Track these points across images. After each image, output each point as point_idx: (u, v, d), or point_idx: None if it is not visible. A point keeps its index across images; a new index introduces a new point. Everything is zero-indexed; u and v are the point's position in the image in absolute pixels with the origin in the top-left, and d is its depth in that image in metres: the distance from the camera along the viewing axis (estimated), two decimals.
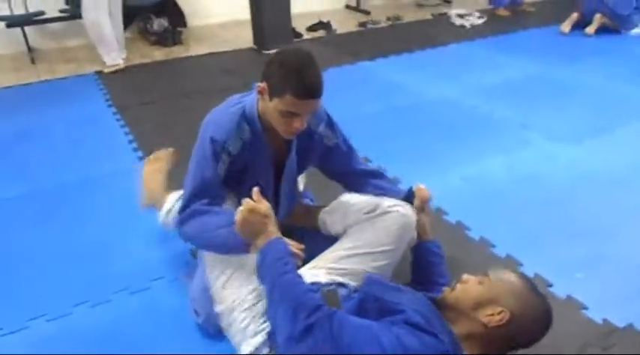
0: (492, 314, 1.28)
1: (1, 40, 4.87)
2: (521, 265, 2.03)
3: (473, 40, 5.06)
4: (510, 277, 1.37)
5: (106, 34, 4.24)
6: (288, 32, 4.95)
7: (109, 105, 3.68)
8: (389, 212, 1.67)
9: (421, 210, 1.82)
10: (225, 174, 1.62)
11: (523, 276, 1.42)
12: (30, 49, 4.82)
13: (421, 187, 1.85)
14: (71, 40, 5.22)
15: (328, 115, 1.78)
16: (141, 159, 2.87)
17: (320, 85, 1.47)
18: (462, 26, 5.54)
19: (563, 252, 2.10)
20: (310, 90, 1.46)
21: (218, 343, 1.66)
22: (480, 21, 5.62)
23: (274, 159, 1.70)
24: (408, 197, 1.83)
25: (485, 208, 2.41)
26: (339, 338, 1.18)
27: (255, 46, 4.96)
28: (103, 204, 2.51)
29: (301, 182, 2.08)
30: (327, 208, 1.84)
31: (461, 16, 5.70)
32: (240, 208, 1.43)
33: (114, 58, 4.36)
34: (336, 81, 4.04)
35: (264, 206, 1.44)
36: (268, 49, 4.84)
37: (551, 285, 1.93)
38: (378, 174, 1.94)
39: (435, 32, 5.37)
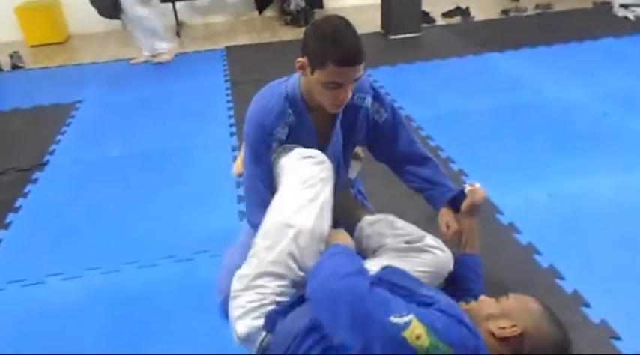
0: (504, 327, 1.18)
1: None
2: (588, 306, 1.73)
3: (632, 36, 4.35)
4: (530, 301, 1.26)
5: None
6: (417, 17, 4.73)
7: (226, 80, 3.90)
8: (428, 251, 1.54)
9: (470, 214, 1.62)
10: None
11: (545, 305, 1.26)
12: (178, 22, 5.30)
13: (476, 187, 1.62)
14: (215, 17, 5.61)
15: (374, 88, 1.64)
16: (232, 134, 3.01)
17: (360, 50, 1.38)
18: (625, 18, 4.79)
19: None
20: (351, 56, 1.37)
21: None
22: None
23: (320, 138, 1.62)
24: (459, 197, 1.62)
25: (569, 234, 2.08)
26: None
27: (382, 31, 4.85)
28: (187, 174, 2.68)
29: (355, 169, 1.96)
30: (371, 218, 1.70)
31: (625, 6, 4.92)
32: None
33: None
34: (450, 72, 3.83)
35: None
36: (394, 34, 4.71)
37: (618, 337, 1.61)
38: (428, 161, 1.72)
39: (589, 24, 4.72)
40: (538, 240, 2.04)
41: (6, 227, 2.33)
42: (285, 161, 1.51)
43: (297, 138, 1.57)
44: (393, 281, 1.26)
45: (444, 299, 1.23)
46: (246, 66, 4.18)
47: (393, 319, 1.09)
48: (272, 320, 1.30)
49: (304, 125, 1.56)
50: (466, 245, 1.64)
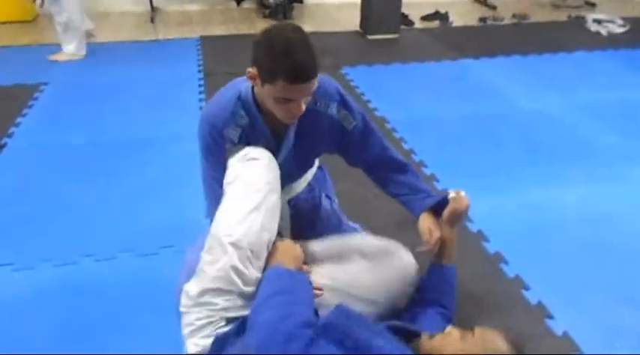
0: None
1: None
2: (552, 318, 1.73)
3: (604, 51, 4.43)
4: (496, 340, 1.19)
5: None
6: (397, 19, 4.72)
7: (199, 70, 3.80)
8: (393, 254, 1.54)
9: (451, 222, 1.58)
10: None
11: (513, 341, 1.21)
12: (153, 8, 5.15)
13: (461, 194, 1.57)
14: (191, 4, 5.48)
15: (341, 94, 1.56)
16: None
17: (312, 67, 1.31)
18: (598, 33, 4.89)
19: (607, 316, 1.75)
20: (302, 73, 1.30)
21: None
22: (621, 30, 4.91)
23: (277, 140, 1.54)
24: (441, 204, 1.58)
25: (535, 244, 2.09)
26: None
27: (360, 30, 4.82)
28: (153, 165, 2.59)
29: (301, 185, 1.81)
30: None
31: (599, 21, 5.02)
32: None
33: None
34: (426, 77, 3.82)
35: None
36: (373, 34, 4.68)
37: (579, 351, 1.62)
38: (405, 167, 1.69)
39: (563, 36, 4.79)
40: (505, 249, 2.04)
41: None
42: (231, 163, 1.45)
43: (251, 140, 1.51)
44: (343, 331, 1.15)
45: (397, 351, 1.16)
46: (220, 57, 4.09)
47: None
48: (219, 346, 1.25)
49: (258, 127, 1.50)
50: (443, 255, 1.60)
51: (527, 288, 1.86)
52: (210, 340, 1.26)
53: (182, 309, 1.31)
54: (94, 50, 4.16)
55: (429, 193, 1.65)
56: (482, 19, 5.25)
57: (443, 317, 1.51)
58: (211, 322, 1.27)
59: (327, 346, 1.07)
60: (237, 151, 1.46)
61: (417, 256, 1.57)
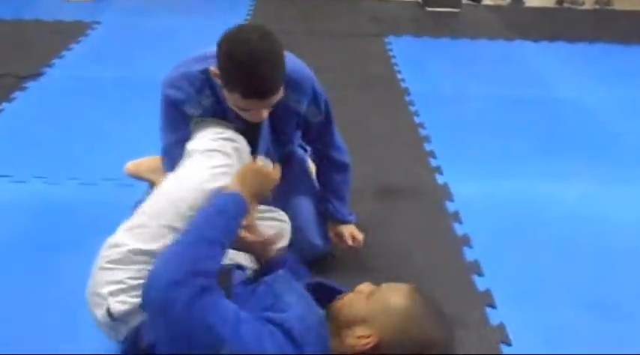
0: (361, 337, 1.10)
1: None
2: (493, 307, 1.65)
3: None
4: (400, 296, 1.13)
5: None
6: None
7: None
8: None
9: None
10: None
11: (419, 297, 1.14)
12: None
13: (356, 238, 1.70)
14: None
15: (315, 90, 1.51)
16: None
17: (273, 84, 1.24)
18: None
19: (553, 315, 1.64)
20: (261, 91, 1.24)
21: None
22: None
23: (243, 128, 1.44)
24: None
25: (508, 234, 1.98)
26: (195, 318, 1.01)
27: (420, 1, 4.65)
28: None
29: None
30: None
31: None
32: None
33: None
34: (470, 54, 3.66)
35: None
36: (432, 6, 4.52)
37: (508, 343, 1.54)
38: (344, 170, 1.72)
39: None
40: (475, 233, 1.95)
41: None
42: (202, 135, 1.38)
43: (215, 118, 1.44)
44: (276, 293, 1.16)
45: (300, 312, 1.12)
46: (271, 12, 4.13)
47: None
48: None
49: (222, 112, 1.42)
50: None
51: (480, 275, 1.78)
52: (138, 299, 1.15)
53: (105, 263, 1.20)
54: None
55: (344, 212, 1.72)
56: (560, 2, 4.87)
57: None
58: (141, 284, 1.11)
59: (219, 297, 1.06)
60: (207, 126, 1.40)
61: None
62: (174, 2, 4.29)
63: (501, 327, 1.58)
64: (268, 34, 1.24)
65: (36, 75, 2.92)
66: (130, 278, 1.18)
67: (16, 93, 2.73)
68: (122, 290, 1.18)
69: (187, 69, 1.42)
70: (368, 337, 1.09)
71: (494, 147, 2.53)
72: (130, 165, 1.92)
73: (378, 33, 3.84)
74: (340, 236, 1.71)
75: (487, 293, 1.71)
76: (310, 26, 3.92)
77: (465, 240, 1.93)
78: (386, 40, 3.76)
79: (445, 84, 3.15)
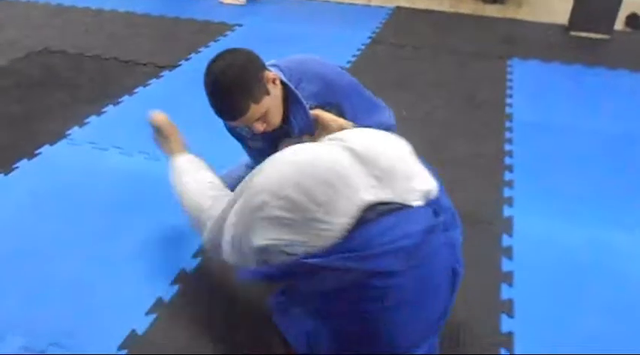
0: None
1: None
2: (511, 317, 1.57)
3: None
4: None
5: None
6: (611, 18, 4.10)
7: (369, 37, 3.98)
8: None
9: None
10: None
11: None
12: None
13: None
14: None
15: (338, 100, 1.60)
16: None
17: (228, 115, 1.38)
18: None
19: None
20: (222, 116, 1.41)
21: None
22: None
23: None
24: None
25: (558, 284, 1.83)
26: None
27: (567, 25, 4.33)
28: None
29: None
30: None
31: None
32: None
33: None
34: (602, 85, 3.33)
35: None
36: (576, 31, 4.19)
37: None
38: None
39: None
40: (521, 272, 1.85)
41: (115, 103, 2.93)
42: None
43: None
44: None
45: None
46: (400, 28, 4.18)
47: None
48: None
49: None
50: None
51: (510, 315, 1.68)
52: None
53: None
54: (304, 4, 4.67)
55: None
56: None
57: None
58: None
59: None
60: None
61: None
62: (315, 12, 4.56)
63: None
64: (236, 64, 1.35)
65: (173, 66, 3.37)
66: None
67: (152, 80, 3.19)
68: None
69: None
70: None
71: (580, 186, 2.32)
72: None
73: (503, 54, 3.69)
74: None
75: (508, 337, 1.62)
76: (436, 42, 3.89)
77: (508, 277, 1.84)
78: (509, 62, 3.60)
79: (556, 114, 2.94)
